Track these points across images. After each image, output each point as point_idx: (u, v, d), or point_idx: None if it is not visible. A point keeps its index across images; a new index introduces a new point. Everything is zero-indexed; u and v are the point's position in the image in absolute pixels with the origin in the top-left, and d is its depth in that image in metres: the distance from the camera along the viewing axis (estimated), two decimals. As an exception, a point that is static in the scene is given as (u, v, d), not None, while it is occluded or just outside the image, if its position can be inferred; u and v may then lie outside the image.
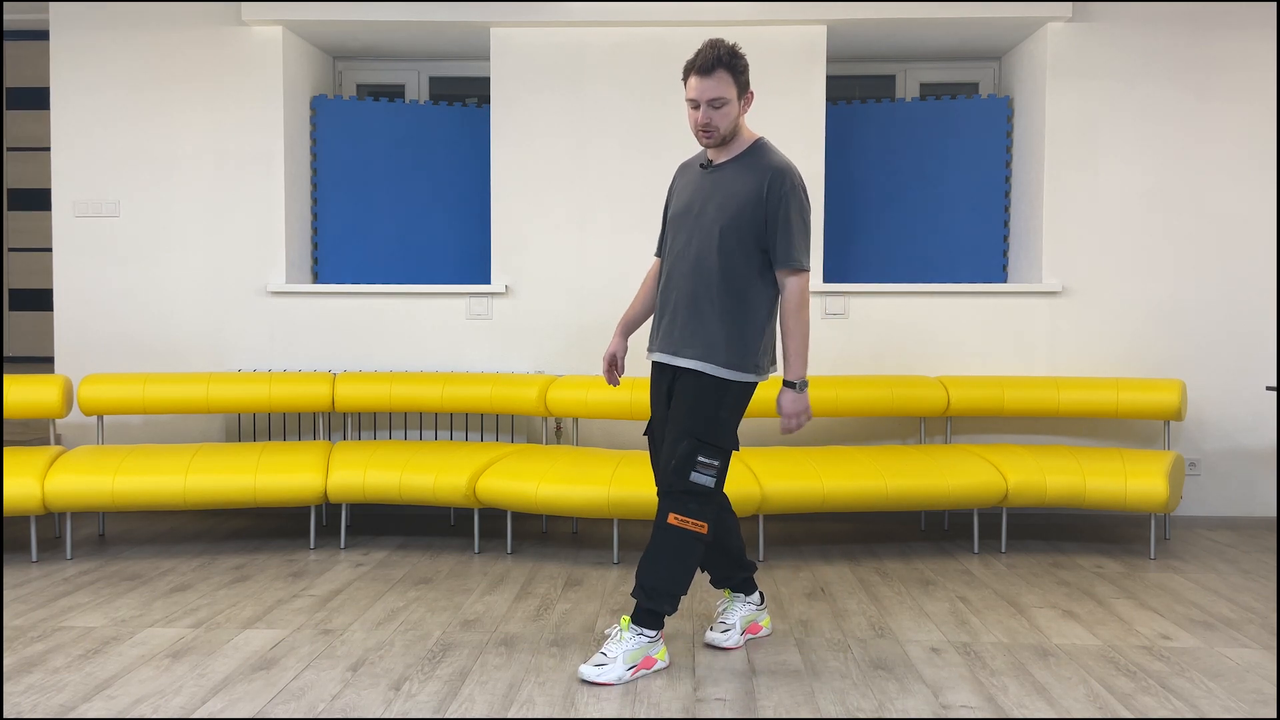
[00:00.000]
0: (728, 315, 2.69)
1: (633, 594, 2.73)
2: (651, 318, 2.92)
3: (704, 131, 2.69)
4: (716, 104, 2.64)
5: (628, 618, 2.70)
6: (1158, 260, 4.64)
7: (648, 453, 4.21)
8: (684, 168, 2.92)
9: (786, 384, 2.71)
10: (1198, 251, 4.63)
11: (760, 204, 2.67)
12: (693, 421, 2.67)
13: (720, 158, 2.77)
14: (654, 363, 2.85)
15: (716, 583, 3.00)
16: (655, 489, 3.71)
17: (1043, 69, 4.64)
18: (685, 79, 2.69)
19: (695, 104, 2.67)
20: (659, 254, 2.97)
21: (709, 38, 2.68)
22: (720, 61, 2.62)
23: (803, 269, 2.68)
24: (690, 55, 2.69)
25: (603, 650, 2.68)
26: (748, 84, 2.69)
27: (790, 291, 2.69)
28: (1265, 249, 4.61)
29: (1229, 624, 3.16)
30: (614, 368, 2.96)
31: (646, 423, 3.03)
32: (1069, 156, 4.63)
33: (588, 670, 2.63)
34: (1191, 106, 4.60)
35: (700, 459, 2.65)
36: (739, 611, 2.96)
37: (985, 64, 5.20)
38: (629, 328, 3.00)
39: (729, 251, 2.69)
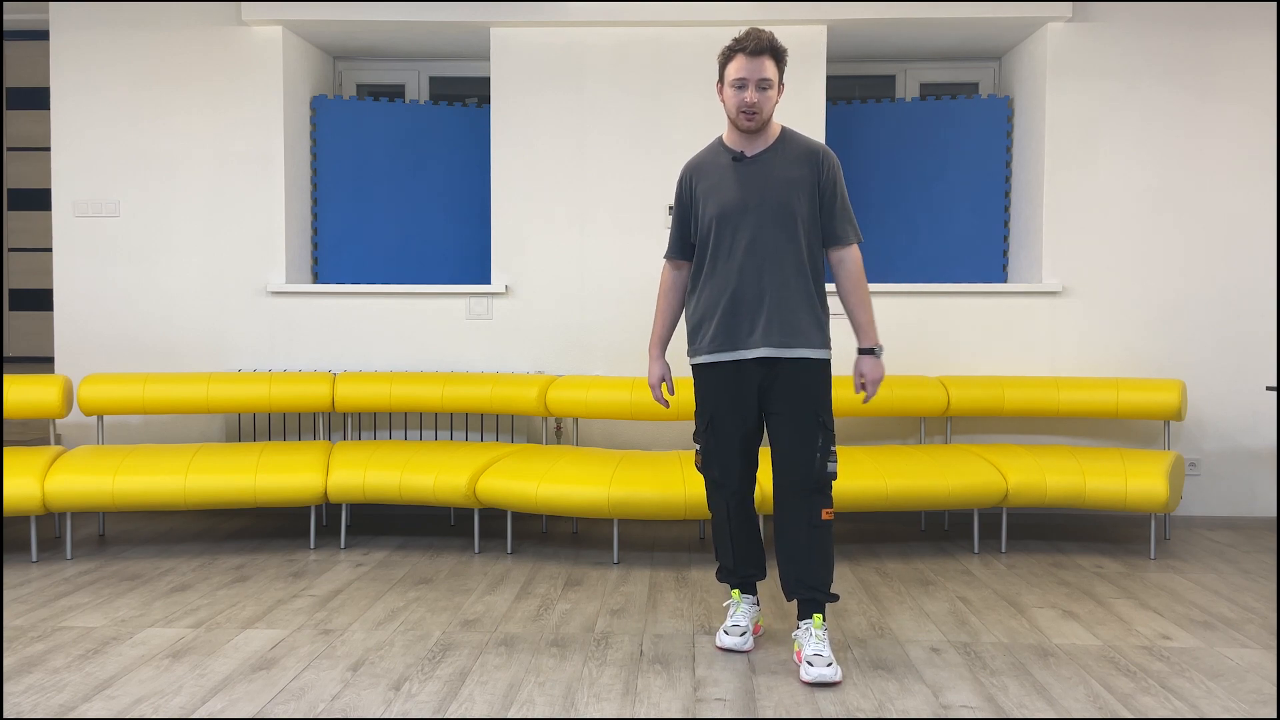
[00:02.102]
0: (811, 298, 2.78)
1: (802, 597, 2.76)
2: (707, 317, 2.82)
3: (747, 113, 2.71)
4: (764, 85, 2.69)
5: (819, 616, 2.74)
6: (1158, 260, 4.64)
7: (649, 453, 4.22)
8: (700, 166, 2.87)
9: (867, 351, 2.80)
10: (1198, 251, 4.63)
11: (814, 187, 2.77)
12: (818, 409, 2.75)
13: (753, 148, 2.79)
14: (731, 361, 2.79)
15: (731, 575, 2.97)
16: (661, 487, 3.73)
17: (1043, 69, 4.65)
18: (726, 61, 2.73)
19: (742, 84, 2.69)
20: (675, 257, 2.95)
21: (749, 27, 2.73)
22: (770, 46, 2.69)
23: (860, 240, 2.84)
24: (730, 42, 2.73)
25: (815, 652, 2.68)
26: (783, 74, 2.77)
27: (855, 262, 2.82)
28: (1265, 249, 4.61)
29: (1229, 624, 3.16)
30: (664, 388, 2.97)
31: (704, 423, 2.87)
32: (1069, 156, 4.63)
33: (826, 673, 2.62)
34: (1192, 106, 4.60)
35: (830, 448, 2.76)
36: (748, 614, 2.95)
37: (985, 64, 5.20)
38: (665, 344, 2.99)
39: (798, 237, 2.75)
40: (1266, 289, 4.62)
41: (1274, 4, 4.55)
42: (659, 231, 4.73)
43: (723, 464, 2.86)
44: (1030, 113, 4.78)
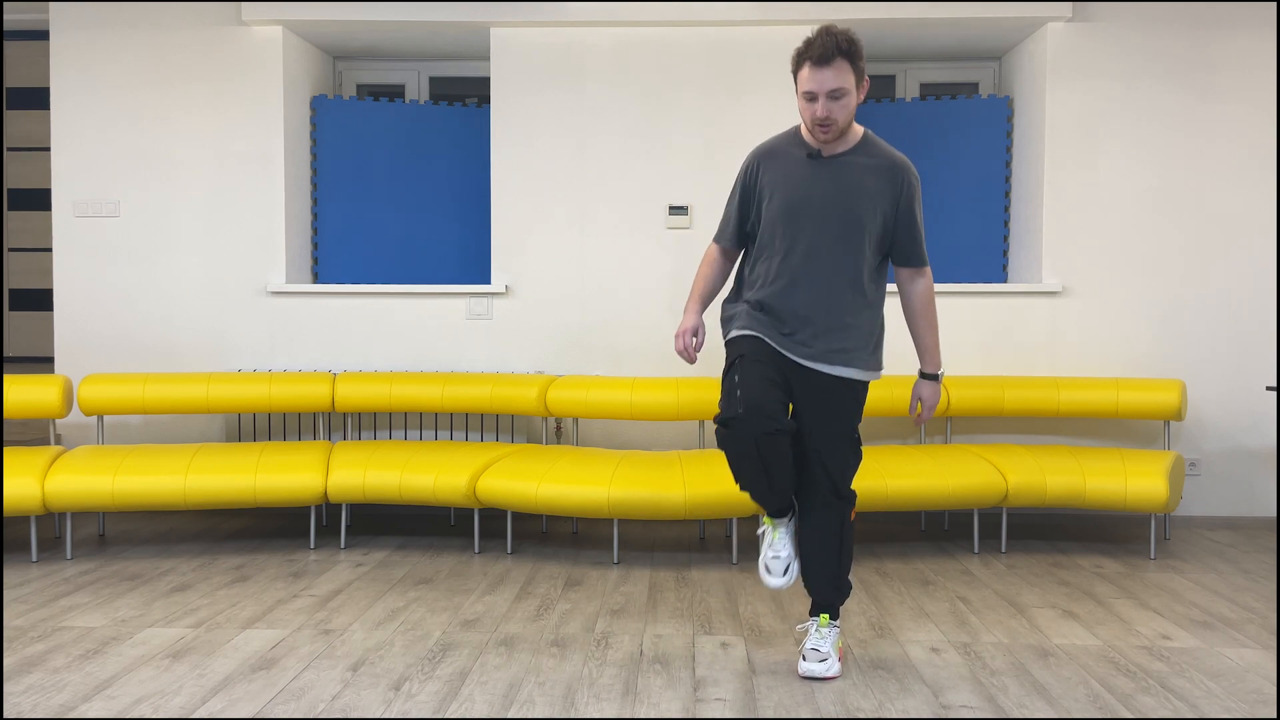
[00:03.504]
0: (865, 316, 2.66)
1: (820, 594, 2.73)
2: (752, 307, 2.66)
3: (822, 126, 2.53)
4: (836, 95, 2.50)
5: (826, 615, 2.73)
6: (1158, 260, 4.64)
7: (649, 453, 4.22)
8: (771, 154, 2.67)
9: (928, 376, 2.74)
10: (1198, 251, 4.63)
11: (892, 202, 2.62)
12: (849, 426, 2.69)
13: (831, 148, 2.62)
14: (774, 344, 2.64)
15: (782, 510, 2.75)
16: (661, 487, 3.72)
17: (1043, 69, 4.64)
18: (796, 69, 2.54)
19: (812, 96, 2.51)
20: (726, 244, 2.75)
21: (822, 25, 2.50)
22: (839, 49, 2.47)
23: (928, 264, 2.73)
24: (800, 44, 2.53)
25: (813, 647, 2.68)
26: (864, 71, 2.56)
27: (928, 284, 2.72)
28: (1265, 249, 4.61)
29: (1229, 624, 3.16)
30: (691, 344, 2.69)
31: (733, 358, 2.63)
32: (1069, 156, 4.63)
33: (816, 668, 2.65)
34: (1192, 106, 4.60)
35: (856, 462, 2.73)
36: (787, 541, 2.76)
37: (985, 64, 5.20)
38: (704, 305, 2.77)
39: (862, 250, 2.62)
40: (1266, 289, 4.62)
41: (1274, 4, 4.55)
42: (659, 232, 4.72)
43: (750, 391, 2.54)
44: (1030, 113, 4.78)
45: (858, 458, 2.74)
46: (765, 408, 2.53)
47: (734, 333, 2.69)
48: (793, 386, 2.66)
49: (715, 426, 2.65)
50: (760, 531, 2.82)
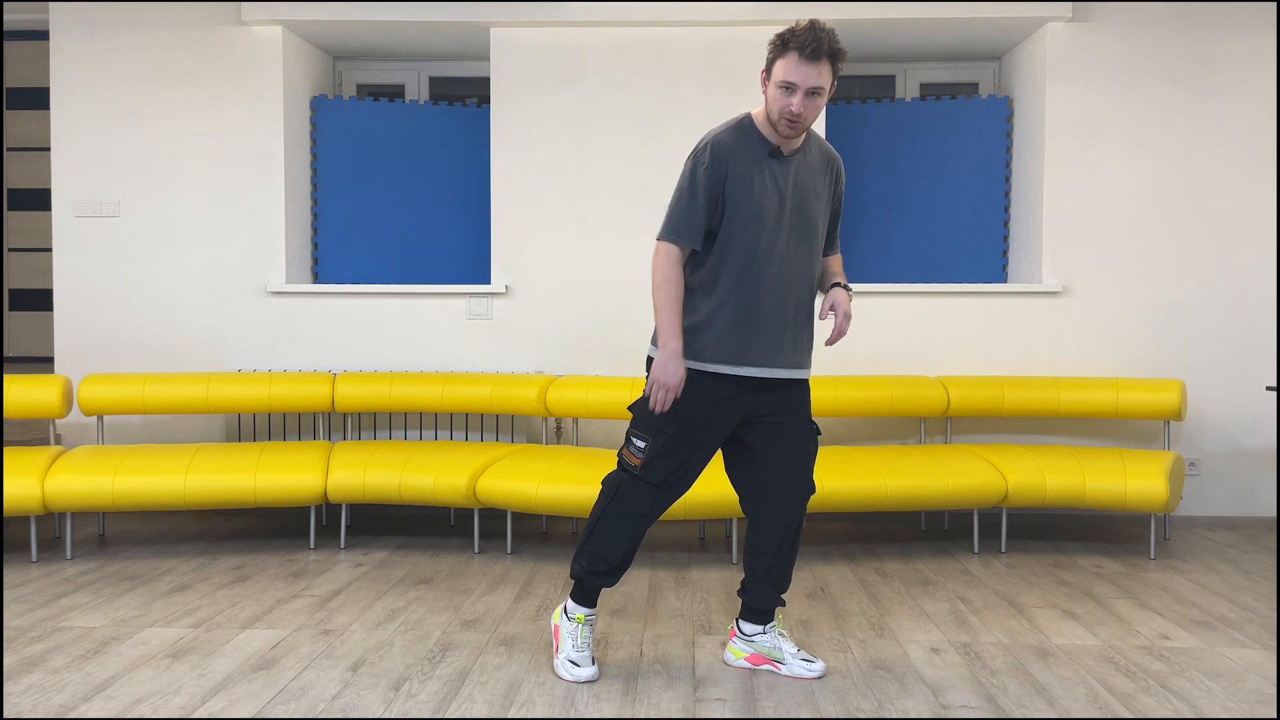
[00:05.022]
0: (813, 315, 2.67)
1: (775, 598, 2.72)
2: (719, 322, 2.53)
3: (791, 120, 2.42)
4: (815, 93, 2.39)
5: (781, 615, 2.76)
6: (1158, 260, 4.64)
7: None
8: (734, 150, 2.49)
9: (845, 285, 2.65)
10: (1198, 251, 4.63)
11: (830, 197, 2.64)
12: (811, 418, 2.68)
13: (789, 146, 2.52)
14: (742, 376, 2.54)
15: (610, 578, 2.67)
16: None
17: (1043, 69, 4.65)
18: (777, 55, 2.41)
19: (791, 89, 2.38)
20: (693, 243, 2.52)
21: (808, 18, 2.38)
22: (831, 50, 2.37)
23: None
24: (784, 31, 2.39)
25: (800, 651, 2.72)
26: (838, 76, 2.46)
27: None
28: (1265, 249, 4.61)
29: (1229, 624, 3.16)
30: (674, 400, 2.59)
31: (671, 425, 2.53)
32: (1069, 156, 4.63)
33: (816, 666, 2.68)
34: (1192, 106, 4.60)
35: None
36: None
37: (985, 64, 5.20)
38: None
39: (818, 251, 2.62)
40: (1266, 289, 4.62)
41: (1274, 4, 4.55)
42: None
43: (679, 470, 2.56)
44: (1030, 113, 4.78)
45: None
46: (689, 485, 2.61)
47: (703, 365, 2.54)
48: (763, 406, 2.59)
49: (621, 472, 2.60)
50: (572, 628, 2.67)
